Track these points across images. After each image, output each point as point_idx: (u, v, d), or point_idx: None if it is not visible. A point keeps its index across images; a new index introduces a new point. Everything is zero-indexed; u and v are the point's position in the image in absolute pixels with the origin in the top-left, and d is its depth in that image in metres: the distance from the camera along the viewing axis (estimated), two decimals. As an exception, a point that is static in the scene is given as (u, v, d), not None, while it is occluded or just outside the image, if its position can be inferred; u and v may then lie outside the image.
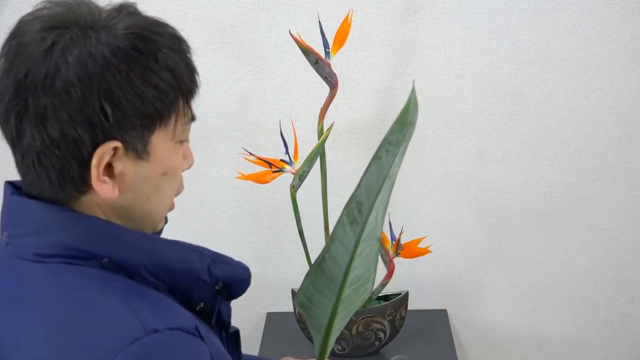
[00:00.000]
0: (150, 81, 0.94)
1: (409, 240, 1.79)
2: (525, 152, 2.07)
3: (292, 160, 1.78)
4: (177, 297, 1.00)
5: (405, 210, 2.09)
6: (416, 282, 2.13)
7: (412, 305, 1.99)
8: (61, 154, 0.92)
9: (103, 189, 0.94)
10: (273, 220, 2.11)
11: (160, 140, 0.97)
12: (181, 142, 1.01)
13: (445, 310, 2.14)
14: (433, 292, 2.15)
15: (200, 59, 2.07)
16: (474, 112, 2.05)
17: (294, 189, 1.79)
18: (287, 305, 2.01)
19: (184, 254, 0.99)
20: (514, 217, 2.10)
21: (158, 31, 0.97)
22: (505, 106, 2.04)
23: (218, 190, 2.08)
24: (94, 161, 0.92)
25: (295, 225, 1.84)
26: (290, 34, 1.72)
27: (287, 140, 1.77)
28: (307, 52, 1.72)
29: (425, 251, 1.79)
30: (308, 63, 1.74)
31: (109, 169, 0.95)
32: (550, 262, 2.13)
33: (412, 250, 1.79)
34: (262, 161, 1.76)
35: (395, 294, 1.89)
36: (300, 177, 1.78)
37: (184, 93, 0.98)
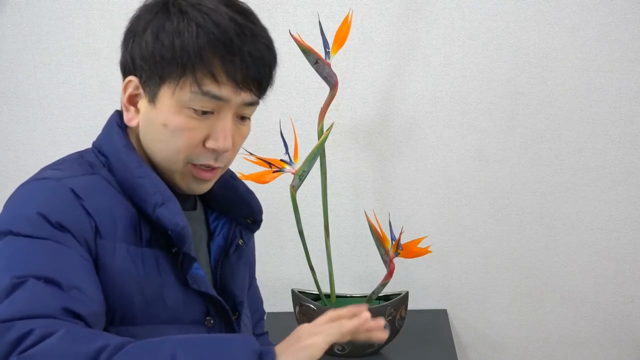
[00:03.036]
0: (158, 37, 1.10)
1: (409, 240, 1.79)
2: (525, 152, 2.07)
3: (292, 160, 1.78)
4: (157, 233, 1.13)
5: (405, 210, 2.10)
6: (416, 282, 2.13)
7: (412, 305, 1.99)
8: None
9: (126, 115, 1.17)
10: (273, 220, 2.11)
11: (166, 94, 1.11)
12: (194, 109, 1.11)
13: (445, 310, 2.14)
14: (433, 292, 2.15)
15: (200, 59, 2.07)
16: (474, 112, 2.05)
17: (294, 189, 1.79)
18: (287, 305, 2.01)
19: (144, 183, 1.13)
20: (514, 217, 2.10)
21: (203, 6, 1.10)
22: (505, 106, 2.04)
23: (218, 190, 2.07)
24: (122, 88, 1.16)
25: (295, 225, 1.84)
26: (290, 34, 1.72)
27: (287, 140, 1.77)
28: (307, 52, 1.72)
29: (425, 251, 1.79)
30: (308, 63, 1.74)
31: (135, 101, 1.15)
32: (550, 262, 2.13)
33: (412, 250, 1.79)
34: (262, 161, 1.76)
35: (395, 294, 1.89)
36: (300, 177, 1.78)
37: (190, 63, 1.09)
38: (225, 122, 1.13)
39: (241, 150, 1.85)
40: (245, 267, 1.29)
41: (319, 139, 1.78)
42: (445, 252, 2.12)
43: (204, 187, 1.19)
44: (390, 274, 1.81)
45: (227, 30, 1.09)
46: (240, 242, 1.27)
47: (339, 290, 1.98)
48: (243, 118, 1.17)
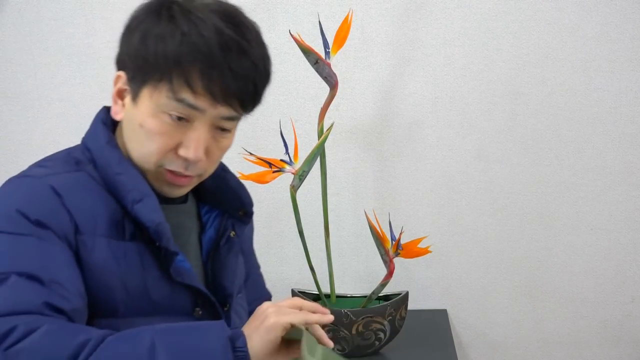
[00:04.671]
0: (145, 40, 1.11)
1: (409, 240, 1.79)
2: (525, 152, 2.07)
3: (292, 160, 1.78)
4: (141, 227, 1.13)
5: (405, 210, 2.09)
6: (416, 282, 2.13)
7: (412, 305, 1.99)
8: None
9: (114, 107, 1.18)
10: (273, 220, 2.11)
11: (146, 96, 1.12)
12: (169, 114, 1.11)
13: (445, 310, 2.14)
14: (433, 292, 2.15)
15: (200, 59, 2.07)
16: (474, 112, 2.05)
17: (294, 189, 1.79)
18: (287, 305, 2.01)
19: (123, 179, 1.13)
20: (514, 217, 2.10)
21: (194, 15, 1.09)
22: (505, 106, 2.04)
23: (218, 190, 2.07)
24: (113, 81, 1.17)
25: (295, 225, 1.84)
26: (290, 34, 1.72)
27: (287, 140, 1.77)
28: (307, 52, 1.72)
29: (425, 251, 1.79)
30: (308, 63, 1.74)
31: (123, 95, 1.16)
32: (550, 262, 2.13)
33: (412, 250, 1.79)
34: (262, 161, 1.76)
35: (395, 294, 1.89)
36: (300, 177, 1.78)
37: (168, 70, 1.09)
38: (199, 132, 1.12)
39: (241, 150, 1.86)
40: (235, 259, 1.29)
41: (319, 139, 1.78)
42: (445, 252, 2.12)
43: (177, 192, 1.19)
44: (390, 274, 1.81)
45: (210, 42, 1.08)
46: (232, 234, 1.28)
47: (339, 290, 1.98)
48: (223, 130, 1.16)
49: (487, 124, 2.06)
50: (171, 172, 1.15)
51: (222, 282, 1.25)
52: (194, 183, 1.18)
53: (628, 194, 2.08)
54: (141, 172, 1.15)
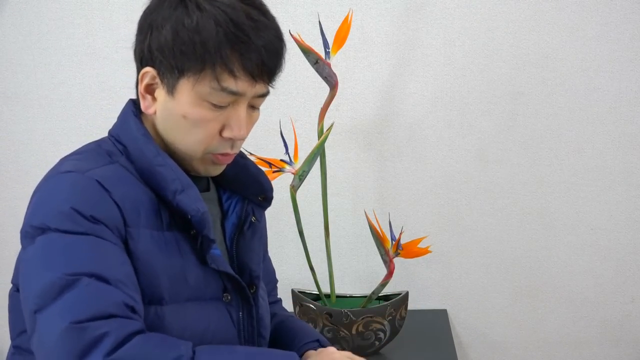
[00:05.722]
0: (178, 33, 1.13)
1: (409, 240, 1.79)
2: (525, 152, 2.07)
3: (292, 160, 1.78)
4: (176, 216, 1.17)
5: (405, 210, 2.10)
6: (416, 282, 2.13)
7: (412, 305, 1.99)
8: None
9: (143, 103, 1.19)
10: (273, 220, 2.10)
11: (185, 87, 1.15)
12: (212, 103, 1.14)
13: (445, 310, 2.14)
14: (433, 292, 2.15)
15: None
16: (474, 112, 2.05)
17: (294, 189, 1.79)
18: (287, 305, 2.00)
19: (163, 171, 1.16)
20: (514, 217, 2.10)
21: (219, 2, 1.12)
22: (505, 106, 2.04)
23: (218, 190, 2.08)
24: (139, 77, 1.18)
25: (295, 225, 1.84)
26: (290, 34, 1.72)
27: (287, 140, 1.77)
28: (307, 52, 1.72)
29: (425, 251, 1.79)
30: (308, 63, 1.74)
31: (151, 90, 1.18)
32: (550, 262, 2.13)
33: (412, 250, 1.79)
34: (262, 161, 1.76)
35: (395, 294, 1.89)
36: (300, 177, 1.78)
37: (210, 60, 1.12)
38: (240, 112, 1.17)
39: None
40: (259, 242, 1.34)
41: (319, 139, 1.78)
42: (445, 252, 2.12)
43: (220, 170, 1.24)
44: (390, 274, 1.81)
45: (244, 27, 1.12)
46: (253, 219, 1.33)
47: (339, 290, 1.98)
48: (253, 107, 1.21)
49: (487, 124, 2.06)
50: (216, 154, 1.19)
51: (250, 265, 1.29)
52: (232, 158, 1.24)
53: (628, 194, 2.08)
54: (186, 159, 1.20)
